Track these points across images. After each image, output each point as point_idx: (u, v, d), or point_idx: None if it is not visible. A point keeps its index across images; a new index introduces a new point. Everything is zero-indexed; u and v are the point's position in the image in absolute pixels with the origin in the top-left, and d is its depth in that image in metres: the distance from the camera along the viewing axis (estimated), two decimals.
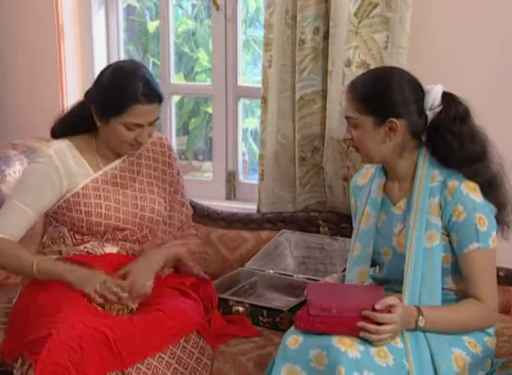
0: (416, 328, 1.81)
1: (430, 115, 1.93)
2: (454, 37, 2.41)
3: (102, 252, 2.21)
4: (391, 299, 1.78)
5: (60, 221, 2.24)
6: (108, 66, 2.22)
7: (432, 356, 1.80)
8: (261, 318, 2.27)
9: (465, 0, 2.40)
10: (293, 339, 1.78)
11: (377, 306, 1.74)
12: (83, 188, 2.19)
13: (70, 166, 2.19)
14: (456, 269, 1.92)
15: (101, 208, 2.18)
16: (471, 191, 1.87)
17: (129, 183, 2.25)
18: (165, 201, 2.31)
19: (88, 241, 2.21)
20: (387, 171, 2.01)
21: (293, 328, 1.83)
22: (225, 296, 2.34)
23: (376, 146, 1.92)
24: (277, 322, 2.23)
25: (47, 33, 3.03)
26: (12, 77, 3.16)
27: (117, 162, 2.25)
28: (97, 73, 2.23)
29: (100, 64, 3.04)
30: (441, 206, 1.89)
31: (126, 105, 2.08)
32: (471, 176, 1.88)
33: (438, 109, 1.92)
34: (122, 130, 2.12)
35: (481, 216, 1.87)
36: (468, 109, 1.93)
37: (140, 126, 2.12)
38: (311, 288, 1.89)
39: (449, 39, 2.41)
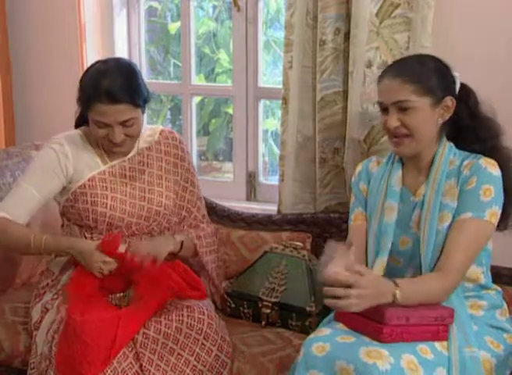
0: (393, 301, 1.76)
1: None
2: (476, 38, 2.39)
3: None
4: (360, 266, 1.75)
5: (69, 217, 2.26)
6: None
7: (464, 367, 1.77)
8: (290, 321, 2.28)
9: (488, 0, 2.38)
10: (319, 346, 1.74)
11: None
12: (89, 180, 2.21)
13: (80, 156, 2.22)
14: None
15: (106, 198, 2.20)
16: (489, 165, 1.90)
17: (138, 176, 2.26)
18: (176, 195, 2.30)
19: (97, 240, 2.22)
20: (406, 161, 2.02)
21: (315, 334, 1.80)
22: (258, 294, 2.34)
23: (430, 129, 1.94)
24: (306, 326, 2.23)
25: (69, 35, 3.05)
26: (34, 79, 3.19)
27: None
28: None
29: None
30: (458, 184, 1.90)
31: (90, 102, 2.12)
32: (492, 153, 1.93)
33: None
34: (94, 127, 2.16)
35: (490, 187, 1.88)
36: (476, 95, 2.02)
37: (107, 125, 2.12)
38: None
39: (471, 39, 2.39)
